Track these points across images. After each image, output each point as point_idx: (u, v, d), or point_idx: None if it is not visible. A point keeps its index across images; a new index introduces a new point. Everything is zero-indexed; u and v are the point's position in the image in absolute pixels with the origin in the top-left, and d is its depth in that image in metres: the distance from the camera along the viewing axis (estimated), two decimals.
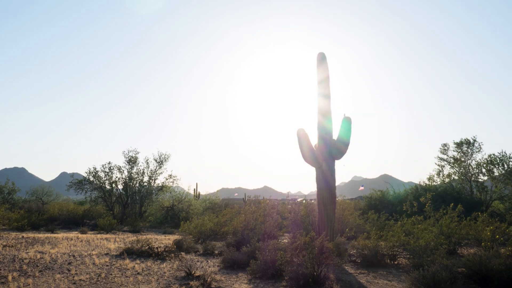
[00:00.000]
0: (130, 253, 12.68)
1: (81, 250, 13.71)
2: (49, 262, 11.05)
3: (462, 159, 24.95)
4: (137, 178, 34.03)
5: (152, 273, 9.90)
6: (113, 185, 33.45)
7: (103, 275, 9.50)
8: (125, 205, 33.32)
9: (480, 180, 24.36)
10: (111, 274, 9.62)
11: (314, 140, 13.93)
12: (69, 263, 10.96)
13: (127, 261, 11.42)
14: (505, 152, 23.39)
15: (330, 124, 13.73)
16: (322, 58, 14.25)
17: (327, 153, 13.36)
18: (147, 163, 34.44)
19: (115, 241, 17.01)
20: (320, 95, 13.97)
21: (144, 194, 33.71)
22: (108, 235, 21.07)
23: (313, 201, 29.67)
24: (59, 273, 9.67)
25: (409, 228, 12.78)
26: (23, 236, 18.57)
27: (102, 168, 33.30)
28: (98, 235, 20.84)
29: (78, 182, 32.90)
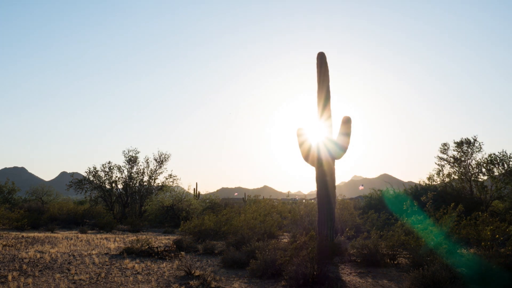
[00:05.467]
0: (130, 252, 12.69)
1: (81, 250, 13.71)
2: (49, 262, 11.06)
3: (462, 158, 24.94)
4: (137, 178, 34.02)
5: (152, 272, 9.90)
6: (113, 185, 33.45)
7: (103, 274, 9.50)
8: (125, 204, 33.31)
9: (480, 179, 24.35)
10: (111, 274, 9.62)
11: (314, 140, 13.92)
12: (69, 263, 10.97)
13: (127, 260, 11.43)
14: (505, 152, 23.38)
15: (330, 124, 13.74)
16: (322, 57, 14.24)
17: (327, 153, 13.37)
18: (147, 162, 34.41)
19: (115, 241, 17.02)
20: (320, 95, 13.97)
21: (144, 194, 33.70)
22: (108, 235, 21.07)
23: (313, 201, 29.67)
24: (59, 272, 9.67)
25: (409, 228, 12.78)
26: (23, 236, 18.57)
27: (102, 167, 33.29)
28: (98, 235, 20.84)
29: (78, 182, 32.87)
